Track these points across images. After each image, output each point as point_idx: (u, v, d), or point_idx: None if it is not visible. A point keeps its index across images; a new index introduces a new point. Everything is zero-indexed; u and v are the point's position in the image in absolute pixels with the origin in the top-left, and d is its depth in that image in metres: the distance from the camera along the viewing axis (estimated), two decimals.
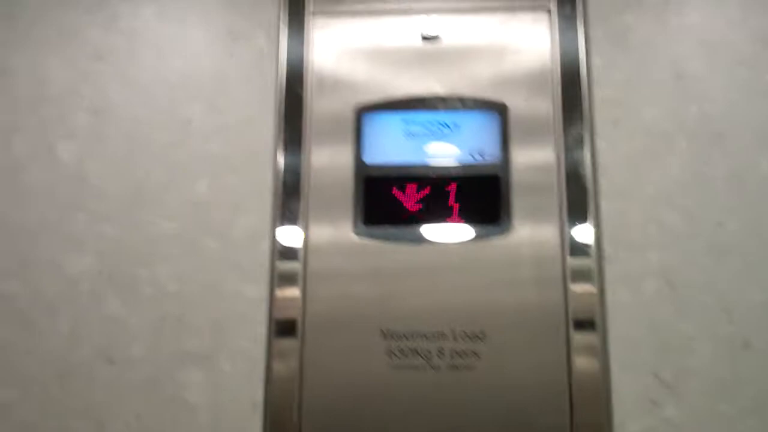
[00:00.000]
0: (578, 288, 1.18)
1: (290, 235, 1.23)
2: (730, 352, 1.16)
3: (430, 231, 1.22)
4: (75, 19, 1.36)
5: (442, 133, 1.26)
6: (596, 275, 1.19)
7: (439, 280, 1.20)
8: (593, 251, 1.19)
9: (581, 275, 1.19)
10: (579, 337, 1.17)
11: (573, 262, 1.19)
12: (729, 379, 1.16)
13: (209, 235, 1.26)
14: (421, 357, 1.18)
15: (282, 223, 1.24)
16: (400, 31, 1.31)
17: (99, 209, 1.28)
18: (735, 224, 1.20)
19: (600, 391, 1.15)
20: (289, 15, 1.33)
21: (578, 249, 1.19)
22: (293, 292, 1.22)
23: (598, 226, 1.21)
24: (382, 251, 1.22)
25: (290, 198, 1.25)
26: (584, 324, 1.17)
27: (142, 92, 1.33)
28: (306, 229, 1.24)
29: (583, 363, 1.16)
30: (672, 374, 1.16)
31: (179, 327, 1.23)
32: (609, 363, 1.17)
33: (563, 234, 1.20)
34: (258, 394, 1.20)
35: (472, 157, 1.25)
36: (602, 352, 1.16)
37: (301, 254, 1.23)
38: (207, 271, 1.25)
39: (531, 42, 1.28)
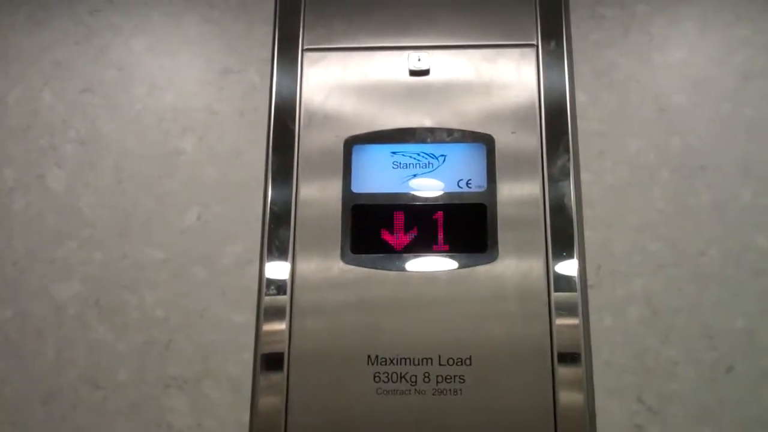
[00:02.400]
0: (563, 320, 1.19)
1: (278, 268, 1.24)
2: (713, 377, 1.17)
3: (417, 259, 1.23)
4: (66, 51, 1.39)
5: (429, 163, 1.28)
6: (581, 305, 1.20)
7: (426, 307, 1.21)
8: (578, 281, 1.21)
9: (566, 305, 1.20)
10: (564, 370, 1.17)
11: (558, 293, 1.20)
12: (712, 404, 1.16)
13: (197, 263, 1.27)
14: (407, 382, 1.18)
15: (270, 252, 1.25)
16: (390, 67, 1.34)
17: (88, 237, 1.29)
18: (717, 253, 1.22)
19: (584, 416, 1.15)
20: (283, 51, 1.36)
21: (563, 278, 1.21)
22: (280, 325, 1.22)
23: (582, 256, 1.22)
24: (370, 279, 1.23)
25: (279, 227, 1.26)
26: (568, 356, 1.18)
27: (132, 124, 1.34)
28: (294, 259, 1.24)
29: (568, 387, 1.16)
30: (656, 399, 1.17)
31: (165, 352, 1.23)
32: (593, 389, 1.17)
33: (548, 262, 1.21)
34: (244, 419, 1.19)
35: (459, 186, 1.27)
36: (586, 377, 1.17)
37: (288, 286, 1.23)
38: (194, 298, 1.25)
39: (518, 77, 1.31)
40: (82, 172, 1.32)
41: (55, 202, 1.31)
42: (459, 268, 1.23)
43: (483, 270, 1.22)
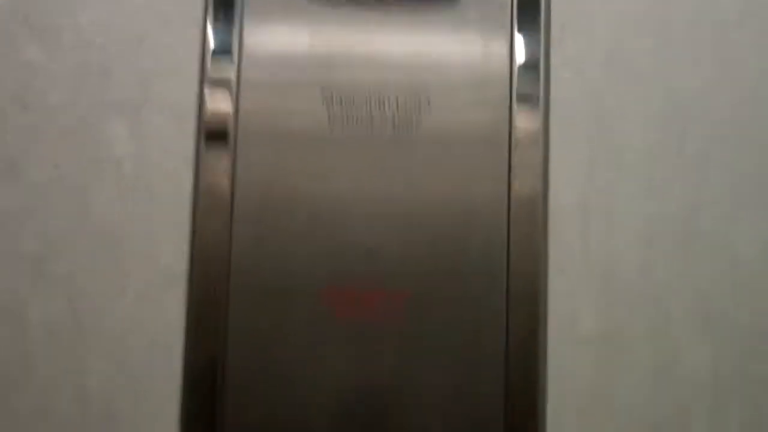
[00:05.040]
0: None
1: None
2: (663, 126, 1.19)
3: None
4: None
5: None
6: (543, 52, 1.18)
7: (384, 41, 1.17)
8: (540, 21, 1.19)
9: (529, 52, 1.18)
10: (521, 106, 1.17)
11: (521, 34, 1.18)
12: (662, 146, 1.18)
13: None
14: (364, 121, 1.15)
15: None
16: None
17: None
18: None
19: (536, 156, 1.16)
20: None
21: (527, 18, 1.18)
22: (226, 61, 1.16)
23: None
24: (325, 14, 1.17)
25: None
26: (527, 97, 1.17)
27: None
28: None
29: (523, 122, 1.16)
30: (606, 147, 1.18)
31: (103, 77, 1.16)
32: (549, 124, 1.17)
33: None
34: (189, 150, 1.15)
35: None
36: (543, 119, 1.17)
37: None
38: (134, 22, 1.17)
39: None
40: None
41: None
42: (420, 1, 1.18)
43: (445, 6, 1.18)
